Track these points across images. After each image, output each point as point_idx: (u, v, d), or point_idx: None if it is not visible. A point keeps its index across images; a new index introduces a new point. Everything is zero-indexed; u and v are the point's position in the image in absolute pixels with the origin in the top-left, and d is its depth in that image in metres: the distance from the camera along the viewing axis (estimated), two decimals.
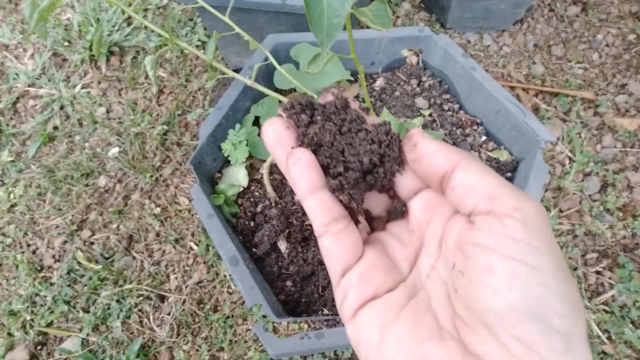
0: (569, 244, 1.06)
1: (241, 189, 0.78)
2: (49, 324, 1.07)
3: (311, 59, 0.42)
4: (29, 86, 1.35)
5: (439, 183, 0.33)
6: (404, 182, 0.36)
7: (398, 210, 0.37)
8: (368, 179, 0.36)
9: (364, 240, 0.36)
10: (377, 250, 0.35)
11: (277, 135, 0.35)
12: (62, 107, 1.31)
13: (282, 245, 0.73)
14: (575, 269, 1.04)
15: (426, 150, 0.33)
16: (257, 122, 0.83)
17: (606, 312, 1.00)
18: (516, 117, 0.74)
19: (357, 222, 0.37)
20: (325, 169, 0.35)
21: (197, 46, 1.35)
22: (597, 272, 1.04)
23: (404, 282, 0.34)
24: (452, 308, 0.31)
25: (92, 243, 1.15)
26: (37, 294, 1.10)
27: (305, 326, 0.75)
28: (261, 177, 0.78)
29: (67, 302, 1.08)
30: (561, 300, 0.27)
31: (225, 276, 1.08)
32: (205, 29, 1.36)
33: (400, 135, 0.36)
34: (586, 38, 1.32)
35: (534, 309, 0.27)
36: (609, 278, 1.03)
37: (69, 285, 1.10)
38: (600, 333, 0.97)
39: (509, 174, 0.78)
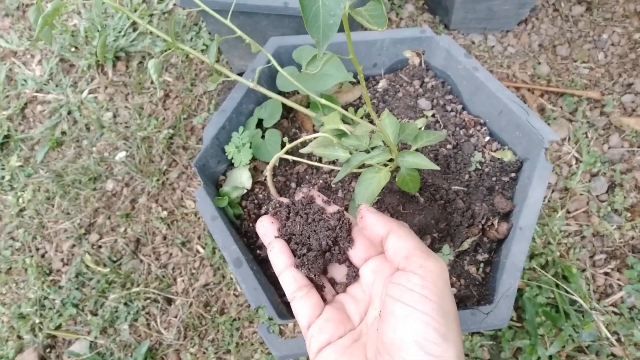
0: (577, 245, 1.05)
1: (245, 191, 0.78)
2: (58, 327, 1.08)
3: (309, 59, 0.42)
4: (37, 92, 1.37)
5: (381, 246, 0.47)
6: (356, 254, 0.52)
7: (352, 276, 0.52)
8: (327, 256, 0.52)
9: (329, 301, 0.50)
10: (335, 308, 0.48)
11: (265, 229, 0.53)
12: (69, 112, 1.33)
13: None
14: (584, 270, 1.03)
15: (369, 221, 0.47)
16: (260, 124, 0.83)
17: (615, 313, 1.00)
18: (519, 117, 0.74)
19: (322, 288, 0.51)
20: (294, 251, 0.52)
21: (201, 50, 1.37)
22: (606, 274, 1.03)
23: (354, 330, 0.47)
24: (376, 345, 0.42)
25: (100, 246, 1.16)
26: (46, 297, 1.11)
27: None
28: (265, 179, 0.78)
29: (76, 305, 1.09)
30: (435, 333, 0.38)
31: (231, 279, 1.08)
32: (209, 33, 1.38)
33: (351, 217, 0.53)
34: (591, 37, 1.32)
35: (417, 339, 0.38)
36: (618, 279, 1.02)
37: (77, 289, 1.11)
38: (609, 335, 0.97)
39: (512, 174, 0.77)
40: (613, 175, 1.12)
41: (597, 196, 1.11)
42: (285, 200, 0.55)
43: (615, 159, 1.14)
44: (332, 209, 0.54)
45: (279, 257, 0.51)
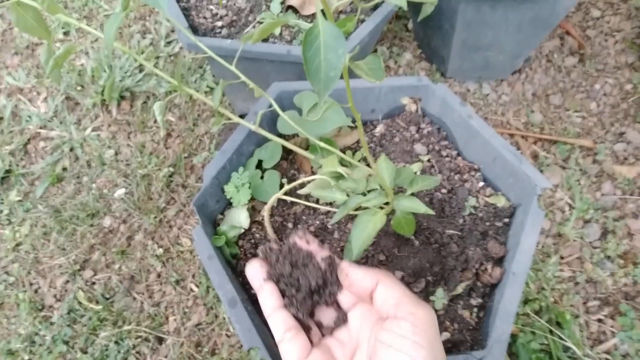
0: (571, 291, 1.06)
1: (242, 230, 0.79)
2: None
3: (311, 107, 0.44)
4: (41, 128, 1.39)
5: (369, 297, 0.48)
6: (345, 299, 0.53)
7: (340, 320, 0.53)
8: (315, 298, 0.53)
9: (315, 343, 0.51)
10: (322, 351, 0.49)
11: (255, 272, 0.55)
12: (71, 149, 1.35)
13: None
14: (577, 316, 1.03)
15: (355, 277, 0.49)
16: (260, 165, 0.85)
17: None
18: (513, 164, 0.76)
19: (309, 330, 0.52)
20: (283, 292, 0.53)
21: (205, 92, 1.40)
22: (599, 320, 1.03)
23: None
24: None
25: (93, 283, 1.15)
26: (36, 334, 1.10)
27: None
28: (262, 219, 0.79)
29: (66, 342, 1.08)
30: None
31: (224, 319, 1.08)
32: (213, 76, 1.41)
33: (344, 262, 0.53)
34: (584, 88, 1.36)
35: None
36: (611, 326, 1.02)
37: (68, 325, 1.10)
38: None
39: (506, 220, 0.79)
40: (606, 222, 1.13)
41: (590, 243, 1.12)
42: (275, 245, 0.58)
43: (608, 206, 1.16)
44: (323, 253, 0.56)
45: (269, 299, 0.52)
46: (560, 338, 0.98)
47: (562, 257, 1.11)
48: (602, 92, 1.35)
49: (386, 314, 0.45)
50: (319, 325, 0.55)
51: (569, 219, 1.14)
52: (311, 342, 0.51)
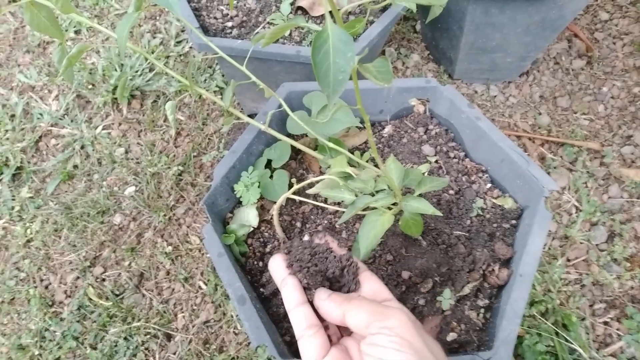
0: (577, 294, 1.06)
1: (251, 229, 0.80)
2: None
3: (320, 109, 0.45)
4: (52, 126, 1.41)
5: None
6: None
7: None
8: (332, 287, 0.55)
9: (334, 342, 0.52)
10: (340, 350, 0.50)
11: (278, 265, 0.56)
12: (82, 147, 1.36)
13: None
14: (583, 319, 1.03)
15: (324, 310, 0.51)
16: (269, 164, 0.86)
17: None
18: (520, 166, 0.76)
19: (327, 328, 0.53)
20: (306, 289, 0.54)
21: (214, 92, 1.41)
22: (605, 323, 1.03)
23: None
24: None
25: (103, 280, 1.17)
26: (46, 329, 1.11)
27: None
28: (271, 218, 0.80)
29: (76, 338, 1.09)
30: None
31: (232, 316, 1.09)
32: (223, 75, 1.43)
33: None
34: (591, 90, 1.36)
35: None
36: (617, 329, 1.02)
37: (78, 321, 1.11)
38: None
39: (513, 221, 0.79)
40: (612, 225, 1.13)
41: (596, 245, 1.12)
42: (296, 241, 0.59)
43: (615, 209, 1.16)
44: (342, 251, 0.58)
45: (292, 293, 0.53)
46: (566, 340, 0.98)
47: (568, 260, 1.11)
48: (609, 94, 1.35)
49: (363, 335, 0.47)
50: (339, 326, 0.55)
51: (576, 221, 1.14)
52: (330, 341, 0.51)
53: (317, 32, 0.38)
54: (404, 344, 0.43)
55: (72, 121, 1.41)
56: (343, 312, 0.49)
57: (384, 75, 0.41)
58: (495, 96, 1.36)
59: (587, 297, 1.06)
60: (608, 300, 1.06)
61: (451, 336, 0.69)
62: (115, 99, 1.42)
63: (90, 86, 1.46)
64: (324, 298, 0.52)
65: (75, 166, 1.34)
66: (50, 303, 1.15)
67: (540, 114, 1.32)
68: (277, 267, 0.56)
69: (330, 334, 0.53)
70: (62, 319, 1.12)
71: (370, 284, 0.55)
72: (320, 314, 0.52)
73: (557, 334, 0.99)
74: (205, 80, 1.43)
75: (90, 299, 1.14)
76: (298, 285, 0.54)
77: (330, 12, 0.38)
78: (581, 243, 1.12)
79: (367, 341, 0.46)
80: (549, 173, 1.21)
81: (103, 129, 1.39)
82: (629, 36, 1.45)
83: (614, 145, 1.25)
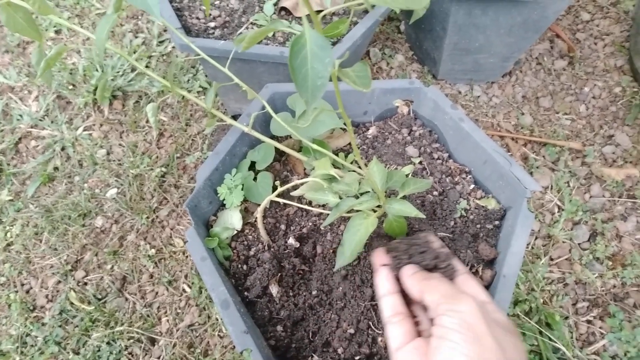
0: (560, 293, 1.07)
1: (235, 232, 0.79)
2: None
3: (300, 114, 0.45)
4: (32, 127, 1.39)
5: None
6: None
7: None
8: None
9: (422, 333, 0.52)
10: (425, 342, 0.49)
11: (379, 258, 0.60)
12: (63, 149, 1.34)
13: (274, 290, 0.74)
14: (567, 317, 1.04)
15: (406, 286, 0.55)
16: (253, 166, 0.85)
17: None
18: (503, 167, 0.77)
19: (419, 323, 0.54)
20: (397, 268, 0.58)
21: (198, 92, 1.40)
22: (588, 321, 1.04)
23: None
24: None
25: (85, 283, 1.15)
26: (28, 334, 1.09)
27: None
28: (255, 221, 0.80)
29: (58, 343, 1.07)
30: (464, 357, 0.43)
31: (217, 319, 1.08)
32: (206, 75, 1.41)
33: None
34: (573, 90, 1.37)
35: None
36: (600, 327, 1.03)
37: (60, 326, 1.09)
38: None
39: (496, 222, 0.80)
40: (594, 224, 1.15)
41: (579, 244, 1.13)
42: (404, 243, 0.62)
43: (597, 208, 1.17)
44: (441, 249, 0.61)
45: (384, 282, 0.57)
46: (550, 339, 0.99)
47: (551, 259, 1.12)
48: (591, 95, 1.36)
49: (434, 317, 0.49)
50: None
51: (559, 220, 1.15)
52: (419, 333, 0.53)
53: (295, 37, 0.37)
54: (466, 328, 0.44)
55: (52, 122, 1.38)
56: (421, 289, 0.52)
57: (363, 80, 0.41)
58: (478, 96, 1.37)
59: (570, 295, 1.07)
60: (591, 299, 1.07)
61: None
62: (97, 99, 1.40)
63: (70, 86, 1.44)
64: (409, 274, 0.55)
65: (56, 168, 1.32)
66: (31, 308, 1.13)
67: (523, 114, 1.33)
68: (379, 260, 0.60)
69: (419, 328, 0.54)
70: (43, 324, 1.10)
71: (467, 285, 0.56)
72: (405, 289, 0.55)
73: (540, 332, 1.00)
74: (188, 80, 1.42)
75: (72, 304, 1.12)
76: (391, 276, 0.57)
77: (308, 15, 0.38)
78: (564, 242, 1.13)
79: (435, 322, 0.47)
80: (531, 173, 1.22)
81: (84, 130, 1.37)
82: (610, 36, 1.47)
83: (595, 145, 1.27)
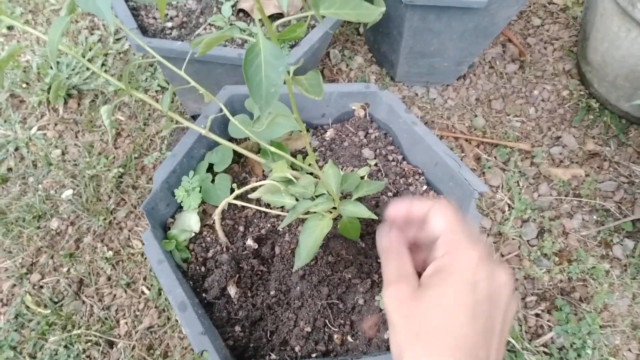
0: None
1: (193, 234, 0.80)
2: None
3: (255, 119, 0.46)
4: None
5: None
6: None
7: None
8: None
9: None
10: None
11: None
12: (17, 149, 1.31)
13: (232, 290, 0.75)
14: (517, 311, 1.09)
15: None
16: (211, 169, 0.86)
17: (546, 353, 1.06)
18: (452, 169, 0.80)
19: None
20: None
21: (156, 91, 1.39)
22: (537, 315, 1.10)
23: None
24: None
25: (41, 287, 1.13)
26: None
27: None
28: (213, 223, 0.80)
29: (14, 348, 1.05)
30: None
31: (176, 321, 1.08)
32: (165, 74, 1.40)
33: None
34: (523, 93, 1.43)
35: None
36: (548, 320, 1.09)
37: (15, 330, 1.07)
38: None
39: None
40: (542, 222, 1.20)
41: (527, 241, 1.18)
42: None
43: (545, 207, 1.23)
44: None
45: (387, 233, 0.45)
46: None
47: (502, 255, 1.17)
48: (540, 97, 1.43)
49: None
50: None
51: (509, 218, 1.21)
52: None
53: (249, 46, 0.38)
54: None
55: (5, 122, 1.34)
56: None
57: (315, 89, 0.42)
58: (434, 99, 1.41)
59: (519, 290, 1.12)
60: (539, 293, 1.12)
61: (388, 334, 0.72)
62: (50, 100, 1.36)
63: (24, 85, 1.40)
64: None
65: (9, 169, 1.28)
66: None
67: (476, 116, 1.38)
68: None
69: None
70: None
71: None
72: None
73: None
74: (146, 79, 1.40)
75: (27, 307, 1.10)
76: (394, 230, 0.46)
77: (261, 19, 0.39)
78: (513, 239, 1.18)
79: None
80: (483, 173, 1.27)
81: (38, 129, 1.34)
82: (559, 41, 1.54)
83: (543, 146, 1.33)
